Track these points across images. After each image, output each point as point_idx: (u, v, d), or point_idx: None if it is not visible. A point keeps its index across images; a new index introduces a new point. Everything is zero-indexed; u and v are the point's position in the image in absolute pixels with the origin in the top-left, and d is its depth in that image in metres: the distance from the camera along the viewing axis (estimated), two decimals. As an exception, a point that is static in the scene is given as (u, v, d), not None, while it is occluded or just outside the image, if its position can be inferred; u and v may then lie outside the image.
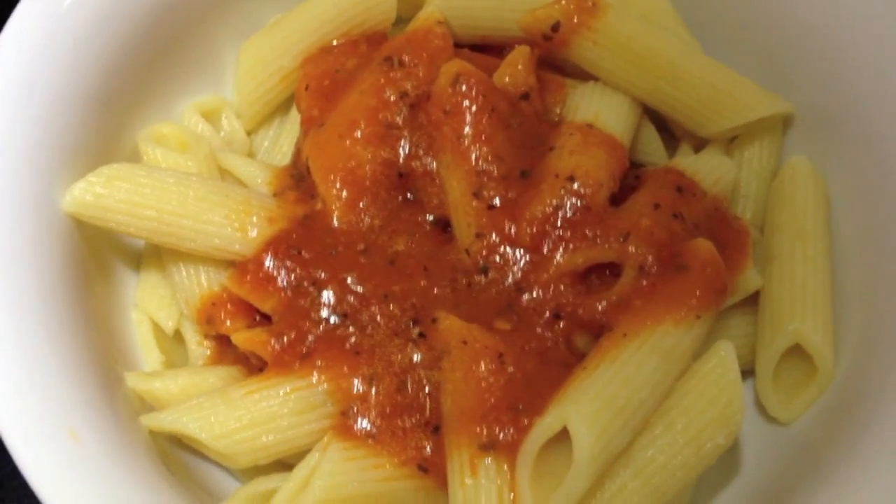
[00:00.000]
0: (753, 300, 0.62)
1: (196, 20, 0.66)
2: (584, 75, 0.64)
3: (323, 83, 0.64)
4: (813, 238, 0.62)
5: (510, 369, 0.53)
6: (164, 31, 0.63)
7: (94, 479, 0.48)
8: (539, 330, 0.56)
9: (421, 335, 0.55)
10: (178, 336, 0.63)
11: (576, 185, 0.57)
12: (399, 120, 0.60)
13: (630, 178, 0.63)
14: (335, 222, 0.58)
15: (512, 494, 0.51)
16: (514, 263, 0.58)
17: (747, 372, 0.62)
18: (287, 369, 0.56)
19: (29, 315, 0.52)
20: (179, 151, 0.62)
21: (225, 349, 0.61)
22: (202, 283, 0.60)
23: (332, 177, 0.59)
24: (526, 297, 0.56)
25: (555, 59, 0.65)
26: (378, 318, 0.57)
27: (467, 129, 0.59)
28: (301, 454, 0.56)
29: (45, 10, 0.57)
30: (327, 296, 0.57)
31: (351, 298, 0.57)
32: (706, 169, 0.62)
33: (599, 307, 0.55)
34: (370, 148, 0.59)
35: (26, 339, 0.51)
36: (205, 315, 0.60)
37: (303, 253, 0.57)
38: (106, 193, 0.56)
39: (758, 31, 0.66)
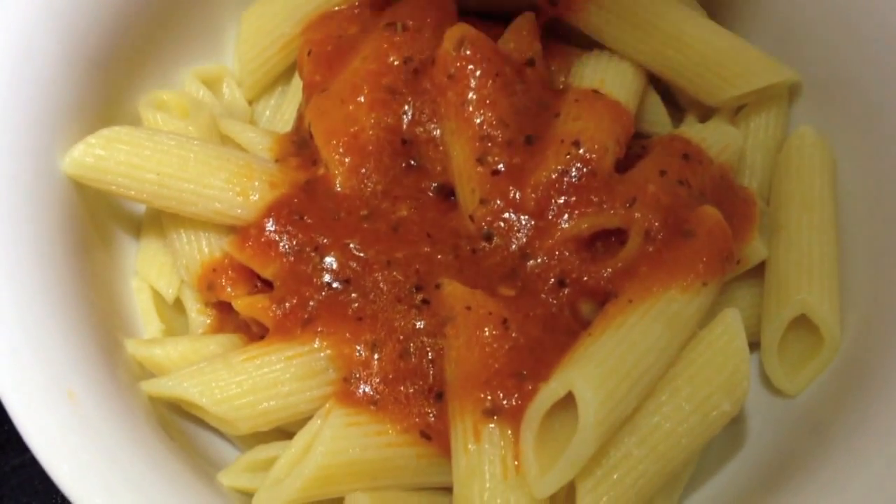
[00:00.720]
0: (759, 271, 0.62)
1: None
2: (589, 46, 0.64)
3: (325, 48, 0.63)
4: (819, 208, 0.62)
5: (514, 335, 0.53)
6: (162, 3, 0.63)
7: (93, 442, 0.48)
8: (543, 296, 0.55)
9: (424, 301, 0.55)
10: (178, 305, 0.62)
11: (581, 150, 0.56)
12: (402, 86, 0.59)
13: (636, 148, 0.63)
14: (338, 187, 0.57)
15: (516, 461, 0.51)
16: (519, 229, 0.57)
17: (753, 344, 0.61)
18: (289, 335, 0.55)
19: (27, 276, 0.52)
20: (180, 117, 0.61)
21: (226, 317, 0.60)
22: (203, 248, 0.60)
23: (335, 142, 0.58)
24: (531, 263, 0.56)
25: (561, 29, 0.64)
26: (381, 284, 0.56)
27: (471, 95, 0.58)
28: (303, 421, 0.55)
29: None
30: (329, 261, 0.56)
31: (353, 264, 0.56)
32: (712, 138, 0.62)
33: (605, 273, 0.55)
34: (373, 114, 0.58)
35: (24, 300, 0.51)
36: (205, 281, 0.60)
37: (305, 218, 0.56)
38: (106, 155, 0.56)
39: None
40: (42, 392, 0.48)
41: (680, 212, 0.58)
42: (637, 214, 0.56)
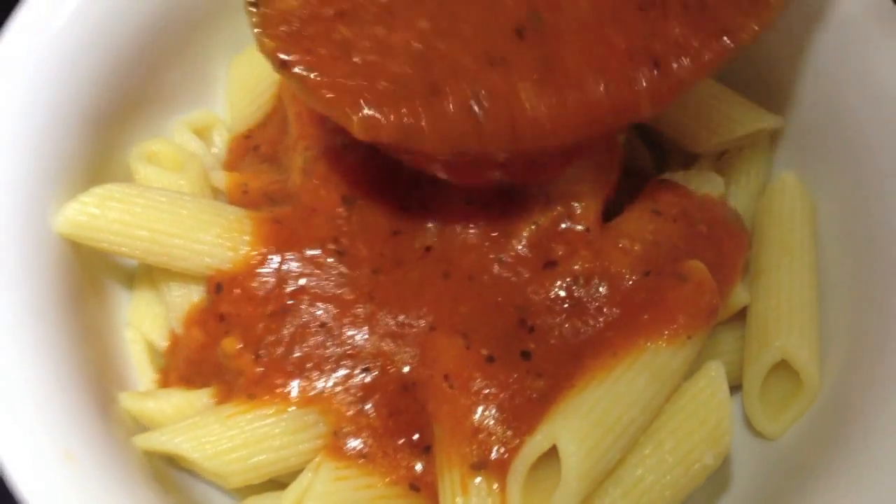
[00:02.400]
0: (742, 315, 0.63)
1: (185, 39, 0.67)
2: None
3: None
4: (799, 254, 0.63)
5: (498, 393, 0.54)
6: (153, 50, 0.65)
7: (91, 501, 0.49)
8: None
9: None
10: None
11: (564, 205, 0.59)
12: None
13: (623, 191, 0.63)
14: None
15: None
16: (510, 281, 0.58)
17: (736, 387, 0.63)
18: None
19: (25, 338, 0.53)
20: (172, 170, 0.63)
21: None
22: (193, 300, 0.60)
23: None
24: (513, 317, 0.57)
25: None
26: (367, 340, 0.57)
27: None
28: (294, 473, 0.57)
29: (37, 32, 0.58)
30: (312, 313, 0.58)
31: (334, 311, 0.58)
32: (695, 184, 0.64)
33: (593, 327, 0.56)
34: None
35: (22, 361, 0.52)
36: (194, 329, 0.61)
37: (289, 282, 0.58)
38: (99, 214, 0.57)
39: (756, 47, 0.64)
40: (42, 456, 0.49)
41: (669, 255, 0.59)
42: (625, 264, 0.58)
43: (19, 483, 0.48)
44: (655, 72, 0.53)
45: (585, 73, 0.52)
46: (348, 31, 0.53)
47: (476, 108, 0.51)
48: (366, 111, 0.50)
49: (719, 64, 0.54)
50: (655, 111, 0.53)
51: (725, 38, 0.54)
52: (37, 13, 0.58)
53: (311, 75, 0.51)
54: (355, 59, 0.52)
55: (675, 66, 0.53)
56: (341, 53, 0.52)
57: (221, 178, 0.65)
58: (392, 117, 0.50)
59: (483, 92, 0.51)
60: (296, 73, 0.51)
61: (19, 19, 0.57)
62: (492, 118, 0.50)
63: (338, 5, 0.53)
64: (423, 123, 0.50)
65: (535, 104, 0.50)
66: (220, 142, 0.70)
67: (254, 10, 0.53)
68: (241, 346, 0.58)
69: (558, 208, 0.60)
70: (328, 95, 0.51)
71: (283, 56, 0.52)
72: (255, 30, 0.53)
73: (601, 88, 0.51)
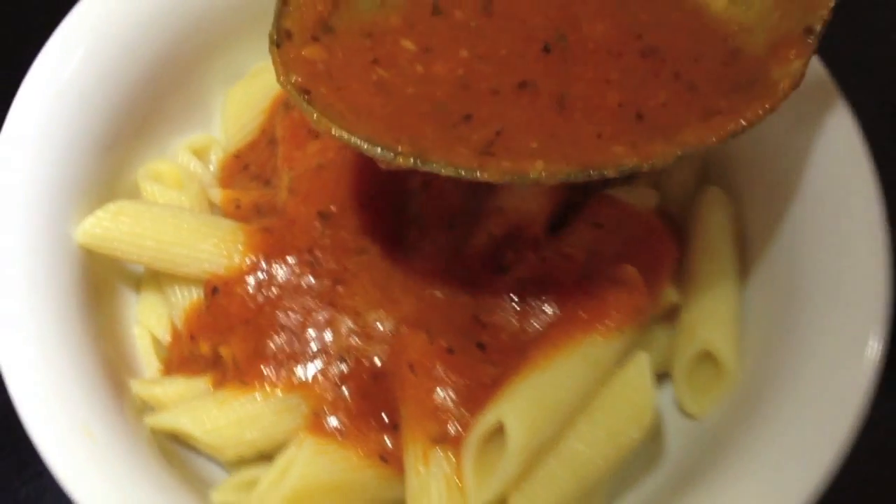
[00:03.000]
0: (675, 313, 0.68)
1: (187, 72, 0.72)
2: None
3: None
4: (722, 258, 0.67)
5: (455, 380, 0.58)
6: (159, 82, 0.69)
7: (108, 470, 0.54)
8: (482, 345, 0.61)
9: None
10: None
11: (512, 218, 0.64)
12: None
13: (573, 202, 0.68)
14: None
15: (458, 480, 0.56)
16: (465, 285, 0.63)
17: (668, 375, 0.68)
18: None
19: (50, 332, 0.57)
20: (174, 188, 0.68)
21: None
22: (192, 300, 0.65)
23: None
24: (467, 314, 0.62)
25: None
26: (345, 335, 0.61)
27: None
28: (280, 447, 0.60)
29: (56, 71, 0.63)
30: (293, 319, 0.62)
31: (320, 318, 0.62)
32: (632, 198, 0.68)
33: (537, 324, 0.61)
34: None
35: (48, 353, 0.56)
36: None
37: (272, 287, 0.62)
38: (112, 227, 0.62)
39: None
40: (66, 433, 0.54)
41: (608, 260, 0.64)
42: (567, 269, 0.62)
43: (46, 455, 0.52)
44: (638, 125, 0.54)
45: (588, 113, 0.54)
46: (386, 72, 0.55)
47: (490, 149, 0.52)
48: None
49: (698, 146, 0.53)
50: (642, 164, 0.52)
51: (709, 120, 0.54)
52: (56, 54, 0.63)
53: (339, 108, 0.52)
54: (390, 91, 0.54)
55: (657, 125, 0.54)
56: (377, 90, 0.54)
57: (217, 195, 0.69)
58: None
59: (503, 131, 0.53)
60: (319, 104, 0.52)
61: (40, 60, 0.63)
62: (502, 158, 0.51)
63: (373, 53, 0.55)
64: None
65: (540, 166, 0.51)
66: (215, 161, 0.74)
67: (276, 48, 0.54)
68: (233, 340, 0.62)
69: (511, 219, 0.64)
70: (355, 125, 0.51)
71: (306, 87, 0.53)
72: (278, 66, 0.54)
73: (596, 133, 0.53)
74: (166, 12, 0.67)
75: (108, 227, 0.62)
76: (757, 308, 0.66)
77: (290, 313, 0.63)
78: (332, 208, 0.64)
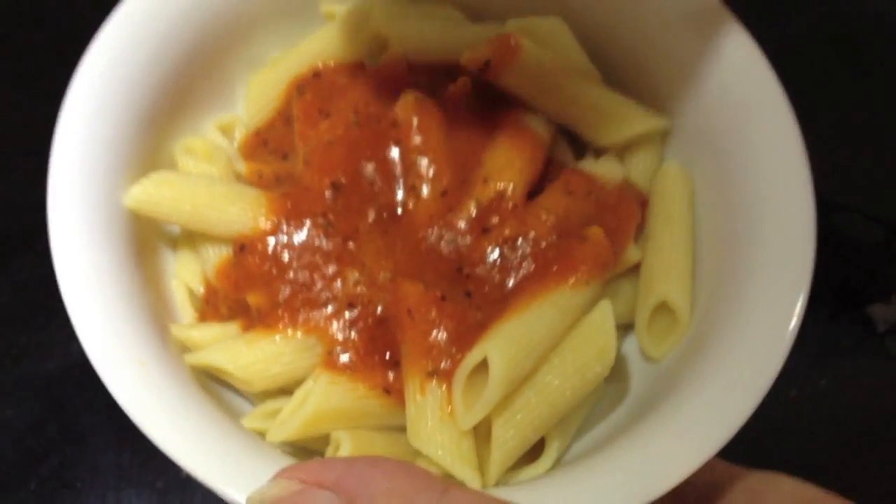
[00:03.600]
0: (636, 270, 0.74)
1: (216, 60, 0.77)
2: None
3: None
4: (678, 223, 0.72)
5: (447, 324, 0.64)
6: (192, 69, 0.75)
7: (159, 395, 0.59)
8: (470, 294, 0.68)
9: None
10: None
11: (497, 185, 0.71)
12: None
13: (550, 174, 0.76)
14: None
15: (449, 406, 0.62)
16: (456, 243, 0.70)
17: (630, 325, 0.75)
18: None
19: (105, 282, 0.62)
20: (205, 160, 0.75)
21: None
22: (222, 256, 0.71)
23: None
24: (464, 269, 0.69)
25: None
26: (353, 284, 0.68)
27: (419, 140, 0.72)
28: (299, 382, 0.66)
29: (104, 61, 0.68)
30: (306, 274, 0.69)
31: (329, 271, 0.69)
32: (601, 170, 0.75)
33: (517, 276, 0.68)
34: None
35: (106, 298, 0.61)
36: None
37: (291, 245, 0.69)
38: (155, 193, 0.67)
39: (647, 61, 0.78)
40: (123, 363, 0.59)
41: (578, 223, 0.71)
42: (542, 230, 0.69)
43: (108, 382, 0.57)
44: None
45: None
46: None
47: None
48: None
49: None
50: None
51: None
52: (104, 46, 0.69)
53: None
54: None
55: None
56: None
57: (242, 166, 0.74)
58: None
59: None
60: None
61: (91, 52, 0.68)
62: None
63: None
64: None
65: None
66: (238, 137, 0.79)
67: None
68: (259, 291, 0.68)
69: (495, 188, 0.70)
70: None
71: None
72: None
73: None
74: (199, 9, 0.73)
75: (152, 193, 0.67)
76: (706, 264, 0.71)
77: (305, 267, 0.70)
78: (342, 179, 0.72)
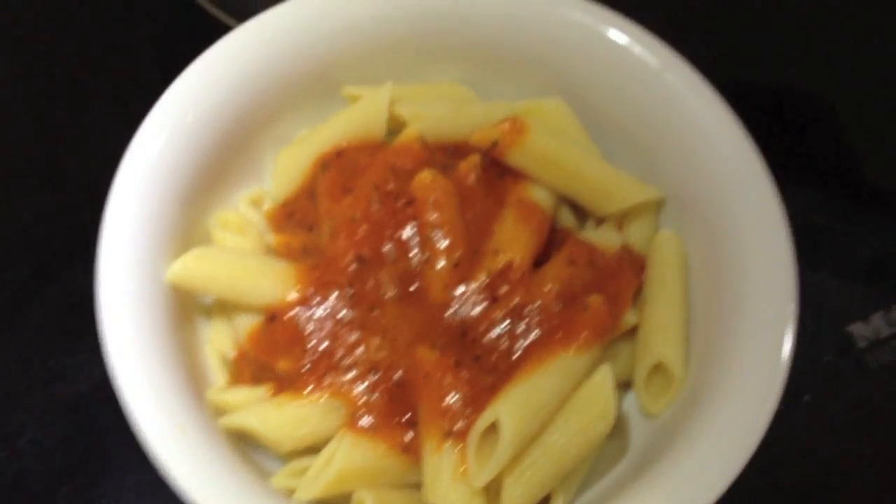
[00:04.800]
0: (634, 332, 0.76)
1: (247, 139, 0.80)
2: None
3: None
4: (673, 287, 0.73)
5: (461, 389, 0.66)
6: (228, 148, 0.78)
7: (198, 459, 0.61)
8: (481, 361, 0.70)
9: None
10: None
11: (505, 257, 0.73)
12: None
13: (554, 242, 0.78)
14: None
15: (463, 466, 0.63)
16: (468, 310, 0.72)
17: (629, 383, 0.77)
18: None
19: (149, 349, 0.65)
20: (237, 233, 0.78)
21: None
22: (253, 324, 0.73)
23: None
24: (471, 334, 0.71)
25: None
26: (372, 351, 0.70)
27: (436, 216, 0.75)
28: (325, 442, 0.67)
29: (149, 146, 0.71)
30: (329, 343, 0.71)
31: (350, 338, 0.71)
32: (601, 239, 0.77)
33: (524, 344, 0.70)
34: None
35: (150, 368, 0.64)
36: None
37: (313, 313, 0.72)
38: (194, 268, 0.69)
39: (642, 138, 0.81)
40: (167, 430, 0.61)
41: (580, 290, 0.73)
42: (547, 298, 0.72)
43: (152, 447, 0.60)
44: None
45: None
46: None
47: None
48: None
49: None
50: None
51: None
52: (149, 133, 0.72)
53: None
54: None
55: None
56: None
57: (271, 238, 0.76)
58: None
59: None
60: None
61: (138, 138, 0.71)
62: None
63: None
64: None
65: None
66: (266, 208, 0.81)
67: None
68: (288, 357, 0.70)
69: (504, 259, 0.71)
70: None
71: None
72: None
73: None
74: (237, 94, 0.77)
75: (191, 268, 0.70)
76: (698, 325, 0.73)
77: (330, 334, 0.72)
78: (365, 252, 0.75)
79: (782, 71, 1.05)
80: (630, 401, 0.75)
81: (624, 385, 0.79)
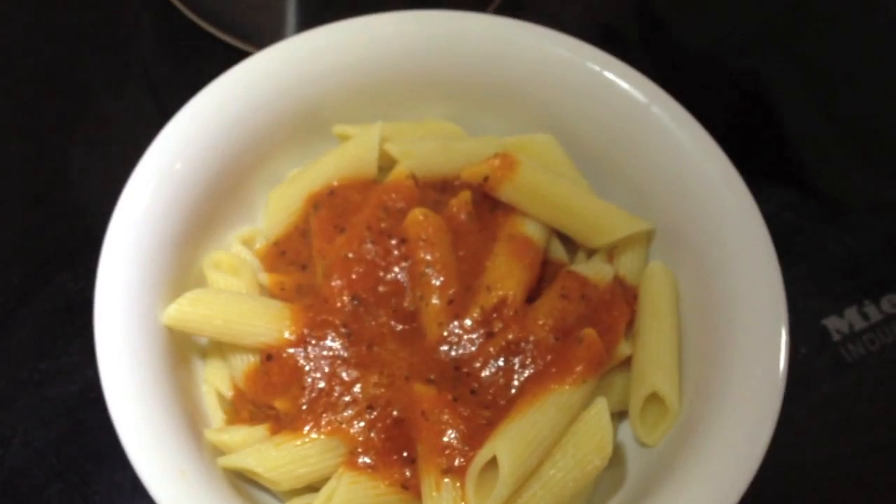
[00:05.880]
0: (628, 362, 0.76)
1: (239, 179, 0.81)
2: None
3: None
4: (665, 318, 0.74)
5: (458, 426, 0.66)
6: (220, 189, 0.78)
7: (198, 501, 0.62)
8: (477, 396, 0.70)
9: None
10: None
11: (499, 293, 0.74)
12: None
13: (546, 275, 0.79)
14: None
15: (463, 502, 0.64)
16: (463, 346, 0.73)
17: (624, 413, 0.77)
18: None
19: (147, 392, 0.65)
20: (231, 273, 0.78)
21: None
22: (249, 363, 0.74)
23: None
24: (465, 370, 0.70)
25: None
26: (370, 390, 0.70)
27: (428, 256, 0.76)
28: (325, 480, 0.67)
29: (140, 192, 0.72)
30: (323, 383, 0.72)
31: (344, 376, 0.71)
32: (592, 272, 0.78)
33: (519, 380, 0.71)
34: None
35: (148, 411, 0.64)
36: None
37: (310, 350, 0.72)
38: (191, 311, 0.70)
39: (630, 171, 0.83)
40: (167, 474, 0.62)
41: (574, 323, 0.73)
42: (541, 333, 0.73)
43: (152, 490, 0.60)
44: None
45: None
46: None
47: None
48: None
49: None
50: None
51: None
52: (140, 180, 0.73)
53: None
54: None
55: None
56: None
57: (265, 278, 0.76)
58: None
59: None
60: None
61: (130, 183, 0.72)
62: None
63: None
64: None
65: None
66: (259, 246, 0.82)
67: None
68: (285, 397, 0.70)
69: (497, 296, 0.73)
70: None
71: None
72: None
73: None
74: (228, 136, 0.77)
75: (187, 311, 0.70)
76: (691, 354, 0.74)
77: (327, 373, 0.73)
78: (360, 291, 0.75)
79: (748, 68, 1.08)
80: (626, 430, 0.75)
81: (618, 415, 0.79)
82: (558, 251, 0.84)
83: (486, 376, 0.71)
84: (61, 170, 0.98)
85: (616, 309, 0.75)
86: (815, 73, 1.09)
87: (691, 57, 1.07)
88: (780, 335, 0.70)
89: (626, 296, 0.77)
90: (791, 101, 1.08)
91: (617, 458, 0.73)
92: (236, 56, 0.82)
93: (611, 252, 0.80)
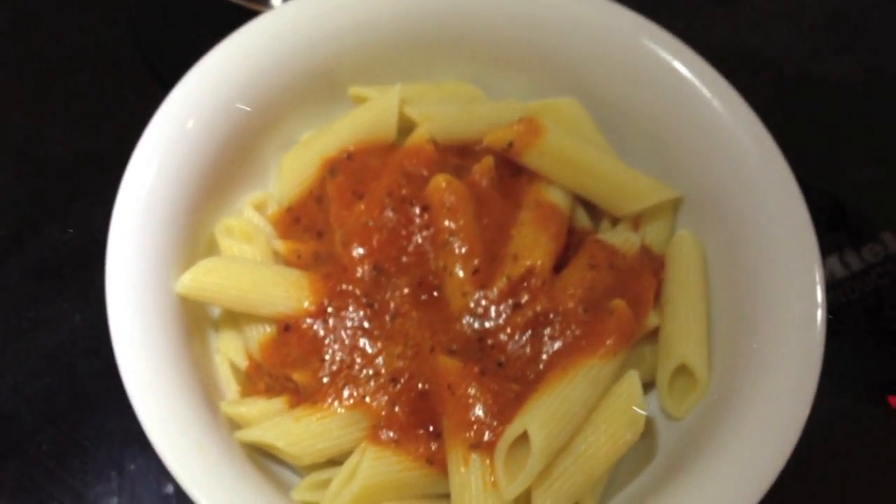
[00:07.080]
0: (656, 333, 0.75)
1: (251, 142, 0.78)
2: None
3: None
4: (693, 288, 0.73)
5: (486, 399, 0.65)
6: (232, 153, 0.76)
7: (218, 477, 0.61)
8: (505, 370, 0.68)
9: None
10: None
11: (526, 262, 0.72)
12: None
13: (572, 242, 0.77)
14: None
15: (492, 478, 0.63)
16: (489, 317, 0.71)
17: (651, 384, 0.75)
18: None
19: (162, 365, 0.63)
20: (244, 240, 0.75)
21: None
22: (265, 334, 0.72)
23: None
24: (491, 341, 0.69)
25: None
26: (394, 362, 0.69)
27: (451, 224, 0.73)
28: (346, 454, 0.67)
29: (150, 159, 0.70)
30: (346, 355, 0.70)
31: (367, 348, 0.70)
32: (620, 241, 0.76)
33: (549, 352, 0.69)
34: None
35: (163, 382, 0.63)
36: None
37: (335, 324, 0.70)
38: (204, 279, 0.68)
39: (658, 136, 0.80)
40: (183, 447, 0.61)
41: (602, 294, 0.71)
42: (570, 304, 0.71)
43: (172, 468, 0.59)
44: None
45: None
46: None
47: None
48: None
49: None
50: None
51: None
52: (153, 137, 0.70)
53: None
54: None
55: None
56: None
57: (280, 245, 0.74)
58: None
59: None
60: None
61: (139, 149, 0.70)
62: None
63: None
64: None
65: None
66: (271, 212, 0.80)
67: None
68: (304, 369, 0.69)
69: (524, 265, 0.71)
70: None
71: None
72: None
73: None
74: (239, 98, 0.75)
75: (201, 280, 0.69)
76: (721, 325, 0.72)
77: (348, 345, 0.70)
78: (381, 260, 0.73)
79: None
80: (653, 402, 0.74)
81: (646, 386, 0.76)
82: (583, 219, 0.81)
83: (513, 349, 0.70)
84: (48, 123, 0.98)
85: (644, 279, 0.73)
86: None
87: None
88: (816, 304, 0.68)
89: (652, 265, 0.76)
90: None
91: (647, 430, 0.71)
92: (244, 16, 0.79)
93: (636, 220, 0.78)
